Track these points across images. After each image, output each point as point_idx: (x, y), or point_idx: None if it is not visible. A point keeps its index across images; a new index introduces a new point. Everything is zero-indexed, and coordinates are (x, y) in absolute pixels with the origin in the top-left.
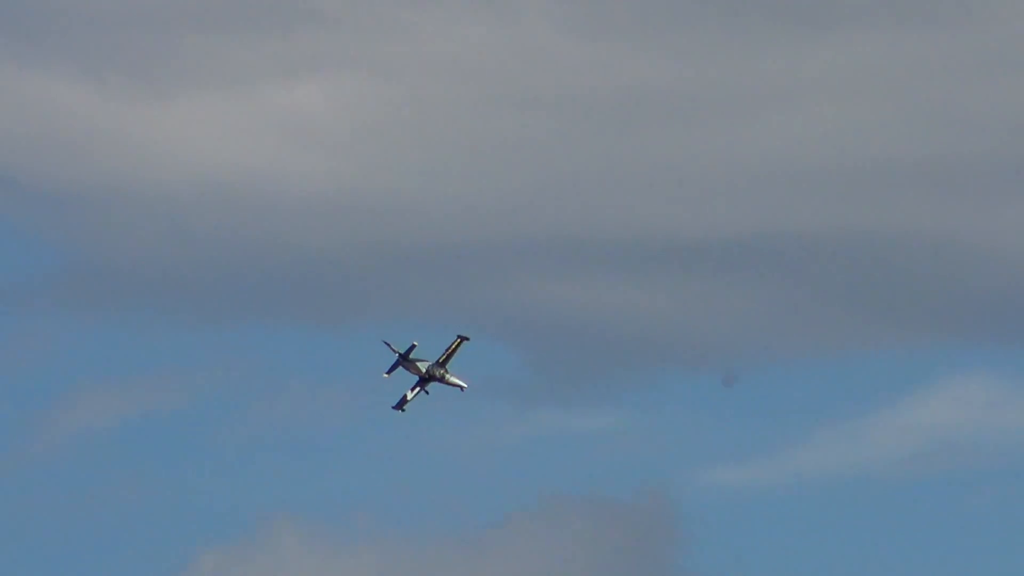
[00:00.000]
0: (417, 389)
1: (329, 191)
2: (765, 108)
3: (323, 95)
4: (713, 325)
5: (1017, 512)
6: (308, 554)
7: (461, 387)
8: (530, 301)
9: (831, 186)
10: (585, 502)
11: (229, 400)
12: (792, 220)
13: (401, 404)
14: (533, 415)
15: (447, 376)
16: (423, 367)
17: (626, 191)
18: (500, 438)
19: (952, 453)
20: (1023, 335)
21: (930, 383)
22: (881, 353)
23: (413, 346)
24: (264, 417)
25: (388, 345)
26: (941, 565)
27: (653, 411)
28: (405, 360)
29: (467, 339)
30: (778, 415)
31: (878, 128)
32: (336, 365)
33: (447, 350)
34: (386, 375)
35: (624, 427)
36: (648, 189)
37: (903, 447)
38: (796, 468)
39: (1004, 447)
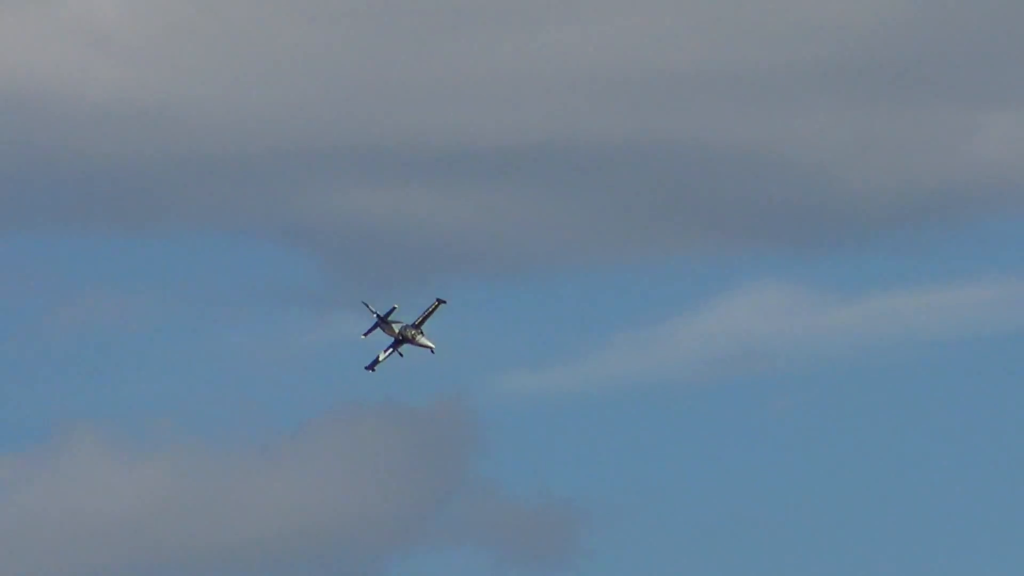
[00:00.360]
0: (390, 351)
1: (126, 98)
2: (561, 15)
3: (119, 1)
4: (511, 232)
5: (812, 416)
6: (105, 460)
7: (431, 349)
8: (327, 208)
9: (628, 94)
10: (382, 409)
11: (27, 305)
12: (593, 128)
13: (373, 365)
14: (330, 321)
15: (417, 337)
16: (397, 328)
17: (424, 99)
18: (298, 345)
19: (750, 359)
20: (818, 242)
21: (727, 290)
22: (678, 260)
23: (393, 308)
24: (62, 323)
25: (367, 306)
26: (738, 470)
27: (451, 317)
28: (383, 322)
29: (444, 302)
30: (576, 322)
31: (673, 37)
32: (135, 272)
33: (424, 312)
34: (363, 336)
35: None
36: (446, 97)
37: (701, 353)
38: (595, 375)
39: (800, 353)
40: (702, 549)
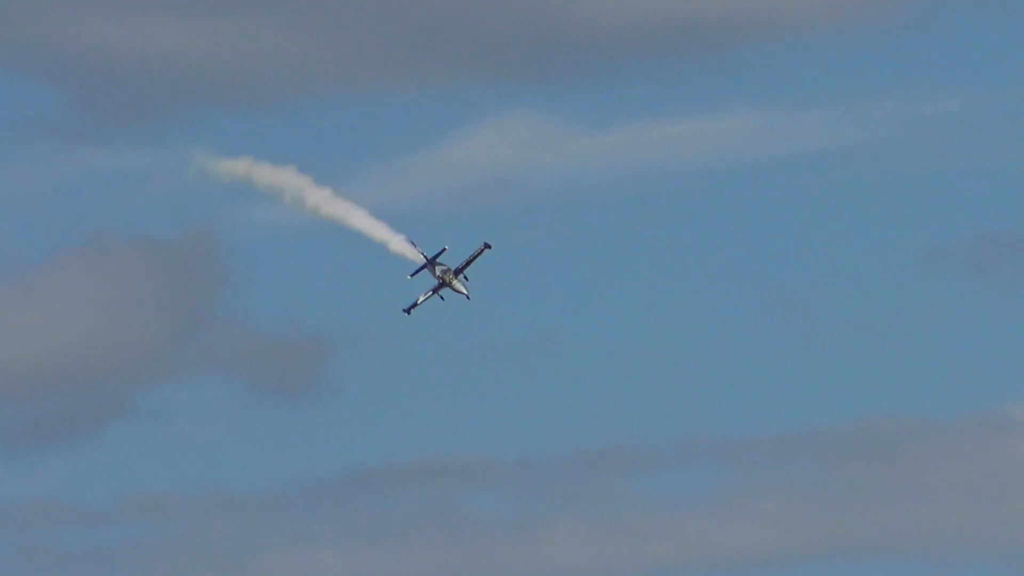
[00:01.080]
0: (430, 293)
1: None
2: None
3: None
4: (257, 63)
5: (557, 246)
6: None
7: (466, 296)
8: (71, 38)
9: None
10: (131, 241)
11: None
12: None
13: (411, 308)
14: (77, 154)
15: (453, 282)
16: (439, 271)
17: None
18: (44, 177)
19: (496, 190)
20: (564, 72)
21: (473, 120)
22: (424, 91)
23: (443, 250)
24: None
25: (413, 245)
26: (485, 300)
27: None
28: (430, 263)
29: (489, 247)
30: (323, 153)
31: None
32: None
33: (468, 257)
34: (410, 277)
35: (168, 166)
36: None
37: (447, 184)
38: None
39: (547, 183)
40: (447, 381)
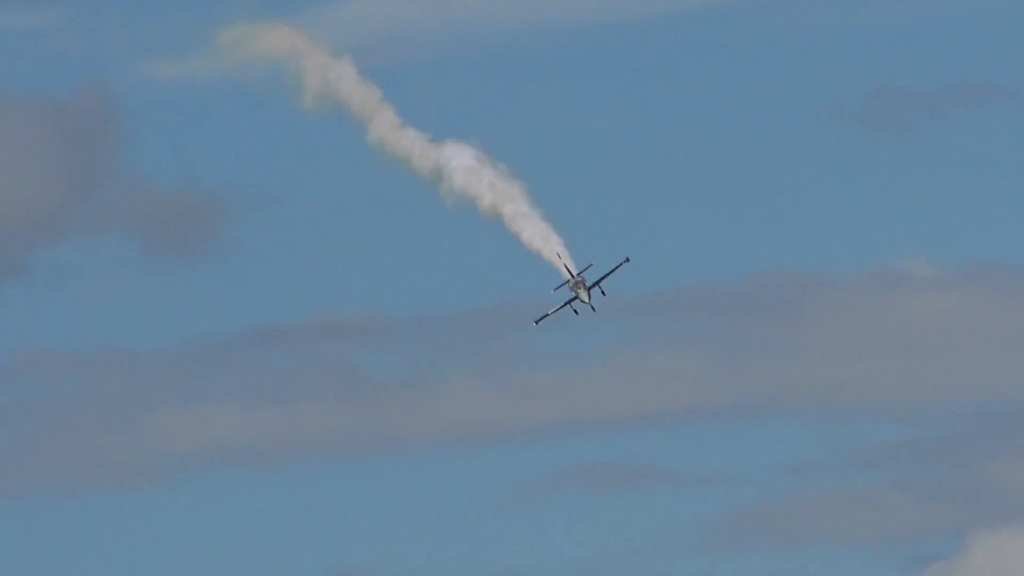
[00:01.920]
0: (563, 305)
1: None
2: None
3: None
4: None
5: (450, 103)
6: None
7: (591, 307)
8: None
9: None
10: (25, 99)
11: None
12: None
13: (541, 319)
14: None
15: (581, 293)
16: (571, 283)
17: None
18: None
19: (391, 46)
20: None
21: None
22: None
23: (590, 266)
24: None
25: (559, 258)
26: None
27: (90, 6)
28: (573, 278)
29: (628, 261)
30: (216, 13)
31: None
32: None
33: (608, 271)
34: (554, 291)
35: (63, 23)
36: None
37: (344, 40)
38: (236, 63)
39: (437, 39)
40: (343, 238)
